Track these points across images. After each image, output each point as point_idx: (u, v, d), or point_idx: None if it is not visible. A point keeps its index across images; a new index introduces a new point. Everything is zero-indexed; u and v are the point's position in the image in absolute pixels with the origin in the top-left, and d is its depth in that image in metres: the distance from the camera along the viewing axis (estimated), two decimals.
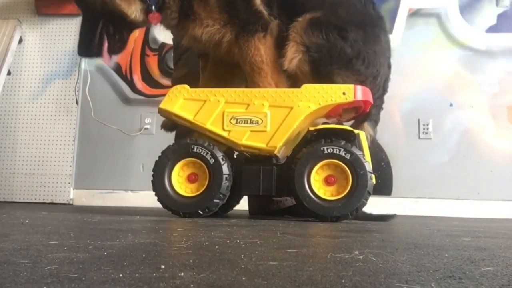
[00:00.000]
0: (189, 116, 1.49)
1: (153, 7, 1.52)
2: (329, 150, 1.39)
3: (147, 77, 3.43)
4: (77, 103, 3.35)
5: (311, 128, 1.45)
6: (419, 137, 3.20)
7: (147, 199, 3.28)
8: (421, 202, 3.06)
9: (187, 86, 1.51)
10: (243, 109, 1.46)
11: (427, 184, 3.07)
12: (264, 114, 1.45)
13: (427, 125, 3.18)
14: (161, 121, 1.73)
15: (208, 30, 1.53)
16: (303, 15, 1.52)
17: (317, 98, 1.43)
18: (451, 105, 3.17)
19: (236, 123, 1.46)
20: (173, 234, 0.92)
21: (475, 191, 3.04)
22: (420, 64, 3.25)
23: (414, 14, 3.28)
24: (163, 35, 3.43)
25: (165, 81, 3.38)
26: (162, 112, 1.53)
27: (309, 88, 1.45)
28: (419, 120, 3.20)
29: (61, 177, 3.29)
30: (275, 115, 1.44)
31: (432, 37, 3.26)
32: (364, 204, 1.37)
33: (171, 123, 1.65)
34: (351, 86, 1.43)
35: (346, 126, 1.48)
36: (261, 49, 1.52)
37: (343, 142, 1.40)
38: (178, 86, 1.51)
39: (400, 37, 3.26)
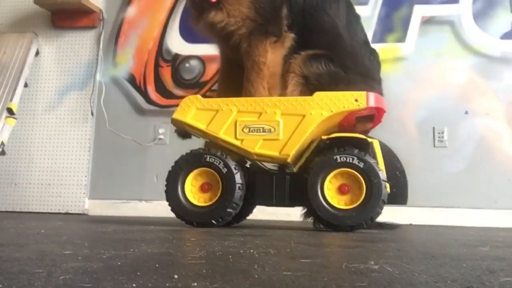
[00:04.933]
0: (202, 126, 1.49)
1: None
2: (342, 159, 1.38)
3: (161, 87, 3.46)
4: (92, 114, 3.39)
5: (324, 137, 1.44)
6: (434, 145, 3.15)
7: (161, 209, 3.29)
8: (437, 211, 3.01)
9: (199, 96, 1.52)
10: (255, 118, 1.46)
11: (443, 193, 3.02)
12: (277, 123, 1.45)
13: (442, 133, 3.14)
14: (171, 132, 1.74)
15: (229, 20, 1.56)
16: (307, 51, 1.55)
17: (329, 106, 1.43)
18: (466, 112, 3.13)
19: (249, 131, 1.46)
20: (186, 244, 0.92)
21: (492, 200, 2.99)
22: (434, 72, 3.21)
23: (428, 21, 3.25)
24: (176, 46, 3.48)
25: (179, 92, 3.41)
26: (175, 122, 1.54)
27: (321, 96, 1.44)
28: (434, 128, 3.16)
29: (76, 187, 3.32)
30: (288, 123, 1.44)
31: (446, 45, 3.23)
32: (379, 213, 1.36)
33: (185, 130, 1.66)
34: (364, 93, 1.43)
35: (359, 134, 1.47)
36: (268, 52, 1.55)
37: (356, 151, 1.39)
38: (191, 97, 1.52)
39: (414, 45, 3.24)
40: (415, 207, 2.91)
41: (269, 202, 1.45)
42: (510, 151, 3.05)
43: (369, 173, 1.36)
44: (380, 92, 1.65)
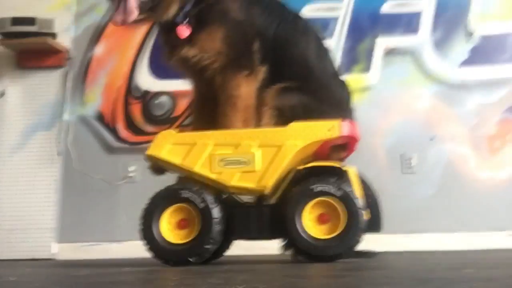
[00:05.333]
0: (177, 161, 1.47)
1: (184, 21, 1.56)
2: (319, 188, 1.39)
3: (131, 125, 3.42)
4: (59, 154, 3.30)
5: (300, 167, 1.45)
6: (402, 172, 3.22)
7: (133, 249, 3.19)
8: (411, 236, 3.04)
9: (173, 131, 1.50)
10: (231, 151, 1.46)
11: (415, 219, 3.07)
12: (253, 154, 1.44)
13: (410, 159, 3.21)
14: (145, 168, 1.71)
15: (202, 55, 1.56)
16: (279, 83, 1.58)
17: (303, 136, 1.44)
18: (432, 139, 3.22)
19: (225, 164, 1.45)
20: (170, 284, 0.89)
21: (462, 223, 3.05)
22: (399, 100, 3.32)
23: (390, 52, 3.37)
24: (145, 82, 3.47)
25: (149, 128, 3.39)
26: (149, 158, 1.51)
27: (295, 126, 1.46)
28: (402, 155, 3.23)
29: (42, 231, 3.19)
30: (264, 154, 1.44)
31: (409, 74, 3.35)
32: (358, 242, 1.35)
33: (159, 166, 1.63)
34: (337, 122, 1.45)
35: (334, 162, 1.48)
36: (242, 86, 1.57)
37: (332, 179, 1.40)
38: (165, 132, 1.51)
39: (378, 75, 3.35)
40: (390, 234, 2.93)
41: (248, 235, 1.43)
42: (476, 174, 3.14)
43: (347, 201, 1.36)
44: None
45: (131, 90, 3.48)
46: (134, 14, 1.51)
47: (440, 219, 3.06)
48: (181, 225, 1.44)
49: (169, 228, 1.45)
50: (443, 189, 3.12)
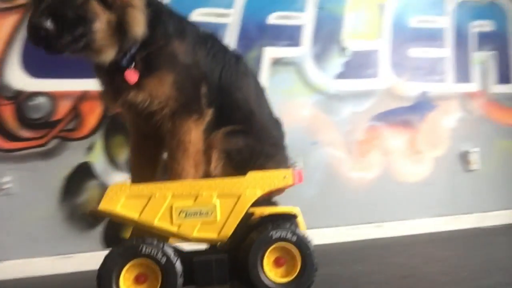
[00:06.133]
0: (134, 215, 1.43)
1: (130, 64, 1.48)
2: (277, 235, 1.50)
3: (2, 129, 3.03)
4: None
5: (257, 215, 1.53)
6: None
7: (13, 270, 2.91)
8: None
9: (127, 183, 1.44)
10: (192, 202, 1.47)
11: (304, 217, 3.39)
12: (214, 205, 1.48)
13: (295, 163, 3.50)
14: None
15: (152, 100, 1.53)
16: (226, 127, 1.65)
17: (261, 184, 1.53)
18: (314, 143, 3.57)
19: (186, 216, 1.46)
20: None
21: (340, 218, 3.49)
22: (285, 108, 3.56)
23: (276, 62, 3.58)
24: (18, 81, 3.09)
25: (26, 133, 3.06)
26: (102, 213, 1.43)
27: (254, 176, 1.53)
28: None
29: None
30: (224, 204, 1.49)
31: (293, 84, 3.62)
32: (313, 282, 1.51)
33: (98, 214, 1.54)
34: (290, 170, 1.58)
35: (287, 207, 1.60)
36: (193, 130, 1.58)
37: (288, 225, 1.52)
38: (118, 184, 1.44)
39: (266, 84, 3.54)
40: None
41: (209, 282, 1.47)
42: (349, 174, 3.60)
43: (302, 245, 1.51)
44: (288, 158, 1.81)
45: (0, 90, 3.06)
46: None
47: (322, 216, 3.45)
48: (140, 280, 1.41)
49: (126, 284, 1.40)
50: (323, 189, 3.51)
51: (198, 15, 3.49)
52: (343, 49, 3.73)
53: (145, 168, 1.73)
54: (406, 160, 3.75)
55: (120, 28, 1.45)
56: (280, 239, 1.50)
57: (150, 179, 1.71)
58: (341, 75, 3.69)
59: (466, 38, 4.03)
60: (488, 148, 3.89)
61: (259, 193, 1.52)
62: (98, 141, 3.17)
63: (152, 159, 1.74)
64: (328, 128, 3.61)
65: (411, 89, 3.83)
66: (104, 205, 1.42)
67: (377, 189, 3.62)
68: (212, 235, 1.47)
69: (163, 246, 1.41)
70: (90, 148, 3.14)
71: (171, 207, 1.45)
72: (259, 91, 1.85)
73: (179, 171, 1.54)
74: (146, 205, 1.43)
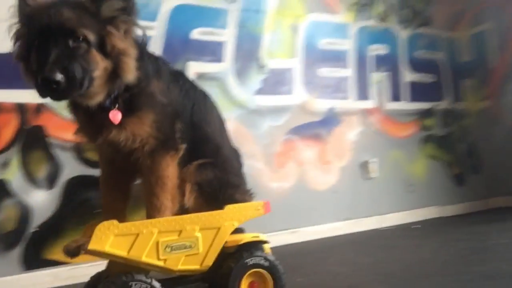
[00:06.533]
0: (123, 253, 1.48)
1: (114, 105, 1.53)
2: (252, 261, 1.66)
3: None
4: None
5: (232, 243, 1.67)
6: None
7: None
8: None
9: (115, 222, 1.48)
10: (176, 236, 1.56)
11: None
12: (196, 238, 1.59)
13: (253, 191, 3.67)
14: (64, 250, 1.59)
15: (134, 138, 1.59)
16: (197, 160, 1.77)
17: (238, 216, 1.68)
18: None
19: (171, 250, 1.55)
20: None
21: (262, 226, 3.72)
22: None
23: (201, 77, 3.69)
24: None
25: None
26: (92, 252, 1.45)
27: (231, 208, 1.67)
28: None
29: None
30: (206, 236, 1.61)
31: (217, 99, 3.73)
32: None
33: (75, 246, 1.56)
34: (262, 202, 1.74)
35: (257, 235, 1.76)
36: (170, 166, 1.67)
37: (259, 252, 1.69)
38: (105, 223, 1.47)
39: None
40: None
41: None
42: (269, 184, 3.86)
43: (273, 270, 1.69)
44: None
45: None
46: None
47: (245, 224, 3.64)
48: None
49: None
50: None
51: None
52: (261, 67, 3.97)
53: (117, 201, 1.76)
54: (317, 170, 4.12)
55: (113, 74, 1.49)
56: (255, 265, 1.66)
57: (122, 212, 1.75)
58: (260, 91, 3.93)
59: (365, 60, 4.54)
60: (384, 158, 4.44)
61: (236, 224, 1.66)
62: (14, 156, 2.99)
63: (124, 192, 1.78)
64: (249, 141, 3.82)
65: (320, 105, 4.21)
66: (94, 245, 1.44)
67: (293, 197, 3.93)
68: (195, 266, 1.58)
69: (151, 281, 1.48)
70: (5, 164, 2.96)
71: (158, 243, 1.52)
72: (222, 124, 1.98)
73: (159, 205, 1.62)
74: (134, 242, 1.49)
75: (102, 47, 1.47)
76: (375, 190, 4.34)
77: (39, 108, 3.13)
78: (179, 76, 1.82)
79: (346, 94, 4.39)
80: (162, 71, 1.71)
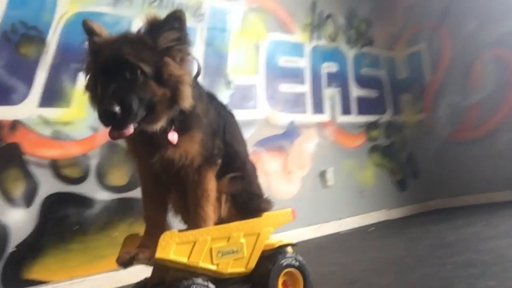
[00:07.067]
0: (184, 259, 1.59)
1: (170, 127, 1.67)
2: (286, 262, 1.85)
3: None
4: None
5: (270, 247, 1.84)
6: None
7: None
8: None
9: (175, 231, 1.60)
10: (225, 242, 1.70)
11: None
12: (242, 243, 1.74)
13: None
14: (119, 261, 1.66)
15: (186, 156, 1.72)
16: (229, 174, 1.92)
17: (274, 222, 1.85)
18: None
19: (222, 255, 1.69)
20: None
21: None
22: None
23: None
24: None
25: None
26: (159, 261, 1.55)
27: (268, 216, 1.85)
28: None
29: None
30: (249, 242, 1.77)
31: None
32: None
33: (129, 257, 1.65)
34: (290, 210, 1.94)
35: (288, 239, 1.95)
36: (212, 179, 1.82)
37: (290, 254, 1.88)
38: (168, 233, 1.58)
39: None
40: None
41: None
42: None
43: (303, 269, 1.89)
44: None
45: None
46: (131, 130, 1.52)
47: None
48: None
49: None
50: None
51: None
52: (228, 83, 4.16)
53: (159, 213, 1.85)
54: (281, 180, 4.37)
55: (172, 101, 1.62)
56: (288, 265, 1.84)
57: (163, 223, 1.85)
58: (228, 106, 4.10)
59: (319, 77, 4.92)
60: (338, 167, 4.81)
61: (272, 229, 1.83)
62: None
63: (165, 205, 1.87)
64: None
65: (282, 119, 4.49)
66: (160, 254, 1.54)
67: None
68: (241, 269, 1.73)
69: (208, 284, 1.61)
70: None
71: (211, 249, 1.66)
72: (244, 141, 2.14)
73: (204, 216, 1.74)
74: (192, 249, 1.61)
75: (160, 76, 1.59)
76: (332, 197, 4.69)
77: (14, 125, 3.07)
78: (212, 98, 1.96)
79: (304, 108, 4.72)
80: (202, 93, 1.85)
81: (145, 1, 3.83)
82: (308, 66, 4.84)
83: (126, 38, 1.63)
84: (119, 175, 3.50)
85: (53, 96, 3.28)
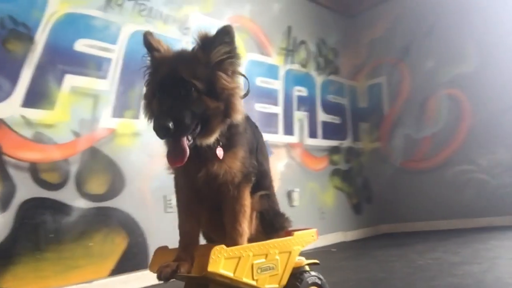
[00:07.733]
0: (230, 274, 1.61)
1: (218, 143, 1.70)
2: (311, 280, 1.92)
3: None
4: None
5: (297, 265, 1.91)
6: (165, 211, 3.72)
7: None
8: None
9: (224, 246, 1.61)
10: (264, 259, 1.74)
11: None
12: (277, 260, 1.79)
13: (170, 200, 3.74)
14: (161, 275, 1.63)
15: (229, 171, 1.75)
16: (259, 192, 1.97)
17: (302, 241, 1.92)
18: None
19: (261, 271, 1.72)
20: None
21: None
22: (161, 146, 3.76)
23: None
24: None
25: None
26: (210, 274, 1.56)
27: (298, 235, 1.92)
28: (165, 196, 3.72)
29: None
30: (282, 259, 1.82)
31: None
32: None
33: (171, 271, 1.64)
34: (315, 230, 2.02)
35: (313, 259, 2.02)
36: (249, 196, 1.86)
37: (314, 272, 1.96)
38: (218, 248, 1.60)
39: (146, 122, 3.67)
40: None
41: None
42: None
43: (324, 286, 1.97)
44: None
45: None
46: (187, 153, 1.56)
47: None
48: None
49: None
50: None
51: (81, 46, 3.41)
52: None
53: (195, 226, 1.84)
54: None
55: (224, 114, 1.65)
56: (313, 284, 1.91)
57: (198, 237, 1.85)
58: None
59: (291, 99, 5.08)
60: (304, 188, 4.97)
61: (301, 248, 1.90)
62: None
63: (200, 218, 1.87)
64: None
65: None
66: (212, 267, 1.54)
67: None
68: (276, 284, 1.77)
69: None
70: None
71: (252, 265, 1.69)
72: (268, 160, 2.19)
73: (241, 231, 1.77)
74: (237, 264, 1.63)
75: (213, 90, 1.63)
76: (297, 217, 4.80)
77: None
78: (247, 117, 2.01)
79: (276, 129, 4.85)
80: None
81: (134, 8, 3.79)
82: (281, 88, 4.99)
83: (181, 56, 1.68)
84: (98, 183, 3.39)
85: (37, 96, 3.14)
